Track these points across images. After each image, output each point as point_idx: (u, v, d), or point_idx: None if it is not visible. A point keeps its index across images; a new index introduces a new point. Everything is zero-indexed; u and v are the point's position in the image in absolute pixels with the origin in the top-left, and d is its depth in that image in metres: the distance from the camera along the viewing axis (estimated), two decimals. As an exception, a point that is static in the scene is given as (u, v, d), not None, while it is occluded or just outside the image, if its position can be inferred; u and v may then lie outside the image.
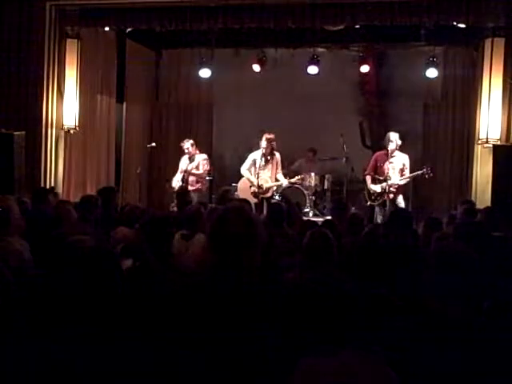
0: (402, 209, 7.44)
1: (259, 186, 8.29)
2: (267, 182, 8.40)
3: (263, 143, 8.23)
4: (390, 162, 8.00)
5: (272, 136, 8.28)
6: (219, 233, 2.28)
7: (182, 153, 9.10)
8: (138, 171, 9.04)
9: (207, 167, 8.97)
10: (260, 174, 8.28)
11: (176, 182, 8.96)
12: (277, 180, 8.50)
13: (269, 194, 8.49)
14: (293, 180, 8.80)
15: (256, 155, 8.40)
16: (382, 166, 8.08)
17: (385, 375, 1.85)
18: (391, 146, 7.96)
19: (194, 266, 3.66)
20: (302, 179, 9.12)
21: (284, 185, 8.71)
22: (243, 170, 8.50)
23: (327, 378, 1.79)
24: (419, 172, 8.08)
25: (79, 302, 2.36)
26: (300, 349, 1.94)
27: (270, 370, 1.98)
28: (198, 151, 9.03)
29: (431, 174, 8.07)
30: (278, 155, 8.45)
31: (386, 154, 8.07)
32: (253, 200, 7.83)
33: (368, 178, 8.20)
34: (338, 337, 1.95)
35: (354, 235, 4.85)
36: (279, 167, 8.54)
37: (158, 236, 3.42)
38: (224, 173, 10.56)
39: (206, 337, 2.13)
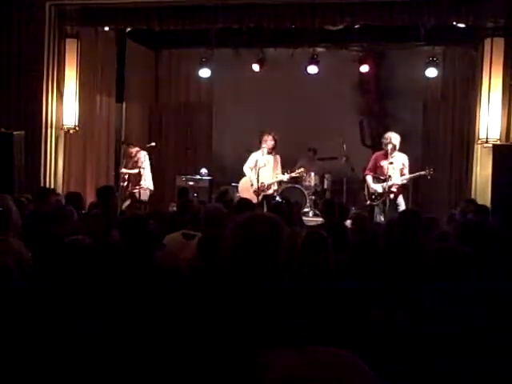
0: (412, 210, 7.42)
1: (260, 184, 8.32)
2: (268, 179, 8.45)
3: (268, 143, 8.31)
4: (390, 163, 7.99)
5: (275, 136, 8.40)
6: (247, 233, 2.26)
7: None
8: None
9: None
10: (260, 172, 8.32)
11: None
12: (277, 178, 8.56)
13: (270, 192, 8.53)
14: (293, 174, 8.80)
15: (258, 155, 8.47)
16: (382, 166, 8.08)
17: (357, 373, 1.81)
18: (390, 147, 7.96)
19: (187, 265, 3.65)
20: (302, 172, 9.07)
21: (285, 179, 8.73)
22: (246, 167, 8.59)
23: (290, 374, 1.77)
24: (421, 172, 8.08)
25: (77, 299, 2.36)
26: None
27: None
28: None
29: (433, 175, 8.08)
30: (278, 157, 8.53)
31: (385, 154, 8.07)
32: (254, 199, 7.85)
33: (369, 177, 8.20)
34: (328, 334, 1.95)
35: (358, 234, 4.87)
36: (279, 168, 8.58)
37: (135, 235, 3.39)
38: (224, 173, 10.56)
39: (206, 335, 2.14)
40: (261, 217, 2.33)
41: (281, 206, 5.74)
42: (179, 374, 2.16)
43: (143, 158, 8.99)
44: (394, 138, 7.97)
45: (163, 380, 2.33)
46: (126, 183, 9.11)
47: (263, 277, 2.21)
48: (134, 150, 9.12)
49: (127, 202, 8.63)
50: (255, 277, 2.20)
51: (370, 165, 8.25)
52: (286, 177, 8.65)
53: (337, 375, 1.76)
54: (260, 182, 8.31)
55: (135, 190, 8.95)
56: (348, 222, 6.23)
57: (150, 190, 9.13)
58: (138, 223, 3.46)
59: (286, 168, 9.08)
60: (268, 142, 8.31)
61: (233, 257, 2.24)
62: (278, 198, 8.42)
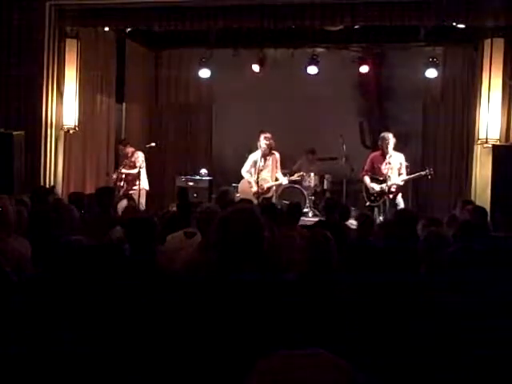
0: (406, 209, 7.43)
1: (260, 186, 8.31)
2: (267, 181, 8.43)
3: (262, 143, 8.30)
4: (388, 163, 7.99)
5: (269, 135, 8.35)
6: (222, 230, 2.28)
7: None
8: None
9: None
10: (260, 174, 8.31)
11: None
12: (277, 179, 8.53)
13: (269, 194, 8.52)
14: (292, 178, 8.83)
15: (255, 156, 8.46)
16: (379, 167, 8.08)
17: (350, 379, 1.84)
18: (389, 147, 7.95)
19: (184, 265, 3.65)
20: (302, 176, 9.11)
21: (284, 183, 8.73)
22: (243, 171, 8.56)
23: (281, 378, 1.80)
24: (422, 173, 8.09)
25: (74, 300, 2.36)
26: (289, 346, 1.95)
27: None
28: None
29: (433, 175, 8.11)
30: (277, 155, 8.50)
31: (382, 155, 8.08)
32: (254, 201, 7.85)
33: (366, 178, 8.20)
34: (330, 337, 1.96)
35: (364, 234, 4.88)
36: (279, 166, 8.57)
37: (140, 237, 3.38)
38: (224, 173, 10.56)
39: (203, 334, 2.14)
40: (239, 210, 2.34)
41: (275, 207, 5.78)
42: (180, 372, 2.16)
43: (141, 158, 9.00)
44: (390, 137, 7.99)
45: (163, 380, 2.33)
46: (122, 183, 9.11)
47: (249, 269, 2.22)
48: (130, 150, 9.14)
49: (123, 202, 8.61)
50: (241, 269, 2.21)
51: (367, 166, 8.25)
52: (284, 181, 8.65)
53: (333, 380, 1.78)
54: (259, 184, 8.31)
55: (132, 191, 8.96)
56: (349, 222, 6.25)
57: (147, 191, 9.16)
58: (145, 225, 3.45)
59: (285, 167, 9.09)
60: (261, 142, 8.33)
61: (216, 251, 2.26)
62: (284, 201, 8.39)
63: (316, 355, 1.83)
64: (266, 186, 8.42)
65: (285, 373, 1.79)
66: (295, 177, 8.86)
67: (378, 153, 8.21)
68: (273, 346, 1.98)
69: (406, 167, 8.13)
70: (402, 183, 8.08)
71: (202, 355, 2.11)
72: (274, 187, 8.63)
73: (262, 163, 8.37)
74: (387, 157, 7.99)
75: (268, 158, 8.43)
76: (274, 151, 8.47)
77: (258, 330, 2.11)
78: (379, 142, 8.11)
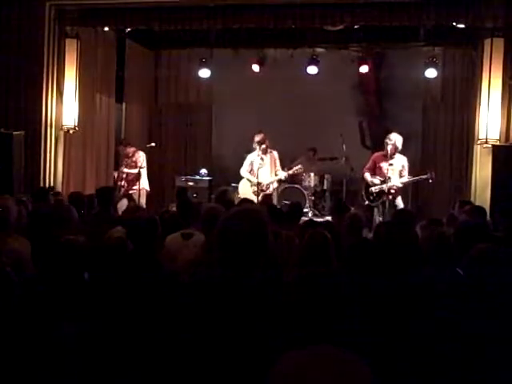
0: (405, 209, 7.43)
1: (259, 184, 8.33)
2: (267, 179, 8.47)
3: (255, 144, 8.37)
4: (390, 164, 7.98)
5: (260, 137, 8.39)
6: (226, 231, 2.28)
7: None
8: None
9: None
10: (259, 172, 8.32)
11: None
12: (276, 176, 8.57)
13: (269, 191, 8.55)
14: (291, 171, 8.81)
15: (253, 156, 8.49)
16: (381, 168, 8.07)
17: (359, 372, 1.86)
18: (392, 148, 7.95)
19: (187, 265, 3.65)
20: (301, 170, 9.07)
21: (283, 177, 8.74)
22: (243, 171, 8.59)
23: (299, 373, 1.81)
24: (423, 176, 8.06)
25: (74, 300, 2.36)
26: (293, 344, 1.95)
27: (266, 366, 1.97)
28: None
29: (434, 179, 8.10)
30: (275, 153, 8.53)
31: (385, 155, 8.06)
32: (254, 199, 7.86)
33: (367, 174, 8.18)
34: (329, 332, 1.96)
35: (353, 235, 4.85)
36: (278, 164, 8.59)
37: (142, 237, 3.38)
38: (223, 173, 10.56)
39: (206, 334, 2.14)
40: (243, 211, 2.34)
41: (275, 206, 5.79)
42: (180, 371, 2.16)
43: (142, 158, 9.00)
44: (398, 140, 7.97)
45: (164, 379, 2.33)
46: (123, 182, 9.12)
47: (254, 270, 2.23)
48: (131, 149, 9.13)
49: (123, 202, 8.62)
50: (245, 270, 2.21)
51: (369, 165, 8.25)
52: (284, 174, 8.65)
53: (340, 376, 1.79)
54: (259, 183, 8.32)
55: (132, 191, 8.96)
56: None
57: (147, 191, 9.16)
58: (148, 224, 3.45)
59: (285, 166, 9.09)
60: (255, 144, 8.38)
61: (219, 252, 2.26)
62: (285, 202, 8.39)
63: (328, 353, 1.85)
64: (265, 182, 8.45)
65: (299, 374, 1.80)
66: (293, 170, 8.83)
67: (381, 153, 8.20)
68: (273, 346, 1.99)
69: (408, 168, 8.13)
70: (401, 185, 8.07)
71: (203, 354, 2.11)
72: (275, 183, 8.65)
73: (261, 162, 8.40)
74: (390, 158, 7.97)
75: (266, 156, 8.46)
76: (271, 150, 8.50)
77: (258, 330, 2.11)
78: (387, 142, 8.04)
